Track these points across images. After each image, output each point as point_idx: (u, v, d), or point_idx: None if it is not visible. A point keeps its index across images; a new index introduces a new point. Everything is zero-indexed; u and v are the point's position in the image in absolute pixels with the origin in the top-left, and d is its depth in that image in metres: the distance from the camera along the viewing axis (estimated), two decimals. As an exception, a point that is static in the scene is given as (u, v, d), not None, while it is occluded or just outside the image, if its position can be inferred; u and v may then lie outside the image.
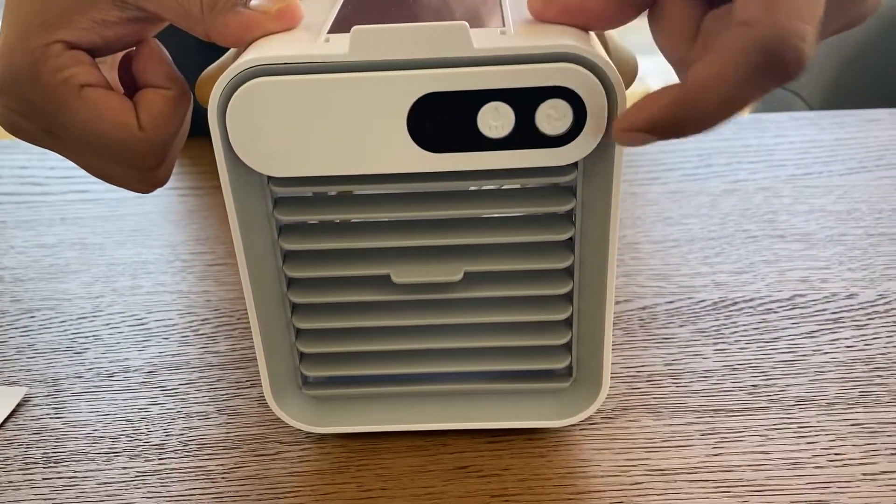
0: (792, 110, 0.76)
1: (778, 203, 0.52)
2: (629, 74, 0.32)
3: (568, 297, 0.33)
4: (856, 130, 0.61)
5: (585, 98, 0.27)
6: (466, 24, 0.26)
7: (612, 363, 0.39)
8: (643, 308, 0.43)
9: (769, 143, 0.60)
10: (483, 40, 0.27)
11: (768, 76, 0.23)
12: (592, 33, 0.31)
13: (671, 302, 0.43)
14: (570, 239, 0.31)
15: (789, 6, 0.23)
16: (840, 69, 0.78)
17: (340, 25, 0.29)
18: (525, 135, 0.28)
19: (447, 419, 0.34)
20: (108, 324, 0.44)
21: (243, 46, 0.29)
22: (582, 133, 0.28)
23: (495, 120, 0.27)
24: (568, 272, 0.32)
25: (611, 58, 0.29)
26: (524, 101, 0.27)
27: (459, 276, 0.31)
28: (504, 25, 0.29)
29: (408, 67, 0.27)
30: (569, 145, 0.28)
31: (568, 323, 0.33)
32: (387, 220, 0.31)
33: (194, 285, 0.47)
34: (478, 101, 0.27)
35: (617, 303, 0.44)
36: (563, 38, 0.27)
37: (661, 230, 0.50)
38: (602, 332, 0.32)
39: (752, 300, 0.43)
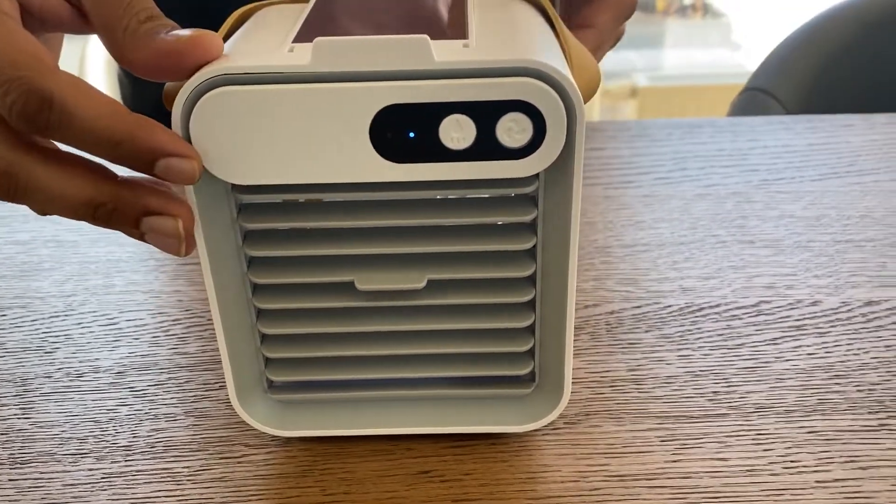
0: (768, 113, 0.77)
1: (749, 208, 0.53)
2: (591, 86, 0.33)
3: (531, 305, 0.33)
4: (829, 136, 0.62)
5: (545, 112, 0.27)
6: (427, 37, 0.27)
7: (577, 368, 0.40)
8: (610, 313, 0.44)
9: (743, 148, 0.61)
10: (445, 53, 0.27)
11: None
12: (556, 45, 0.31)
13: (638, 307, 0.44)
14: (533, 248, 0.32)
15: None
16: (816, 71, 0.79)
17: (305, 35, 0.30)
18: (486, 147, 0.28)
19: (411, 424, 0.35)
20: (79, 323, 0.44)
21: (161, 78, 0.28)
22: (542, 146, 0.28)
23: (457, 132, 0.28)
24: (531, 280, 0.33)
25: (573, 68, 0.30)
26: (485, 113, 0.27)
27: (423, 284, 0.32)
28: (467, 38, 0.29)
29: (369, 79, 0.27)
30: (529, 157, 0.28)
31: (531, 330, 0.33)
32: (350, 227, 0.32)
33: (166, 284, 0.47)
34: (439, 114, 0.27)
35: (585, 307, 0.44)
36: (524, 53, 0.27)
37: (633, 234, 0.50)
38: (563, 339, 0.33)
39: (717, 306, 0.44)
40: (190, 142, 0.28)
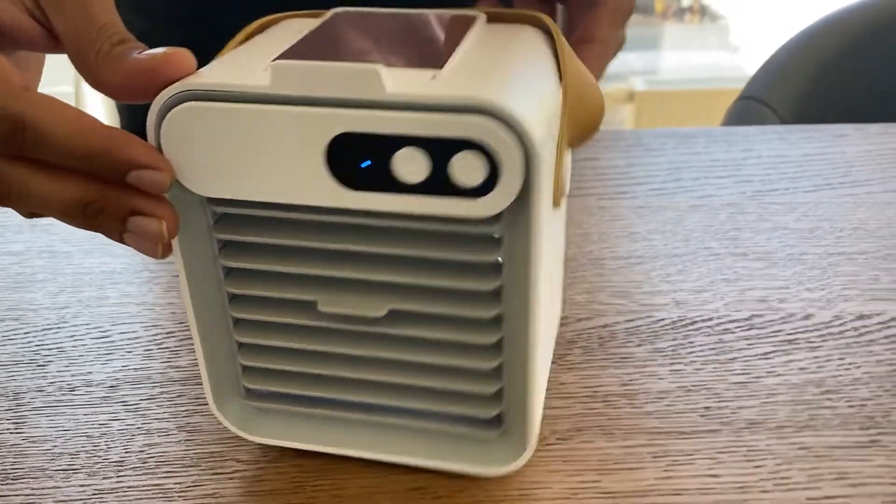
0: (763, 122, 0.77)
1: (742, 220, 0.53)
2: (590, 120, 0.32)
3: (497, 347, 0.31)
4: (823, 146, 0.62)
5: (499, 153, 0.26)
6: (379, 67, 0.26)
7: (569, 382, 0.40)
8: (603, 326, 0.44)
9: (737, 158, 0.61)
10: (403, 84, 0.26)
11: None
12: (547, 80, 0.30)
13: (631, 320, 0.44)
14: (498, 288, 0.30)
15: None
16: (811, 80, 0.79)
17: (288, 55, 0.29)
18: (440, 183, 0.27)
19: (381, 450, 0.34)
20: (72, 336, 0.44)
21: (132, 98, 0.28)
22: (496, 188, 0.27)
23: (409, 165, 0.27)
24: (496, 321, 0.31)
25: (567, 105, 0.29)
26: (438, 149, 0.26)
27: (383, 313, 0.31)
28: (442, 69, 0.28)
29: (325, 105, 0.27)
30: (484, 198, 0.27)
31: (497, 372, 0.32)
32: (314, 247, 0.31)
33: (160, 297, 0.47)
34: (392, 145, 0.27)
35: (577, 320, 0.44)
36: (485, 89, 0.26)
37: (626, 246, 0.50)
38: (527, 386, 0.31)
39: (710, 320, 0.44)
40: (162, 153, 0.28)
